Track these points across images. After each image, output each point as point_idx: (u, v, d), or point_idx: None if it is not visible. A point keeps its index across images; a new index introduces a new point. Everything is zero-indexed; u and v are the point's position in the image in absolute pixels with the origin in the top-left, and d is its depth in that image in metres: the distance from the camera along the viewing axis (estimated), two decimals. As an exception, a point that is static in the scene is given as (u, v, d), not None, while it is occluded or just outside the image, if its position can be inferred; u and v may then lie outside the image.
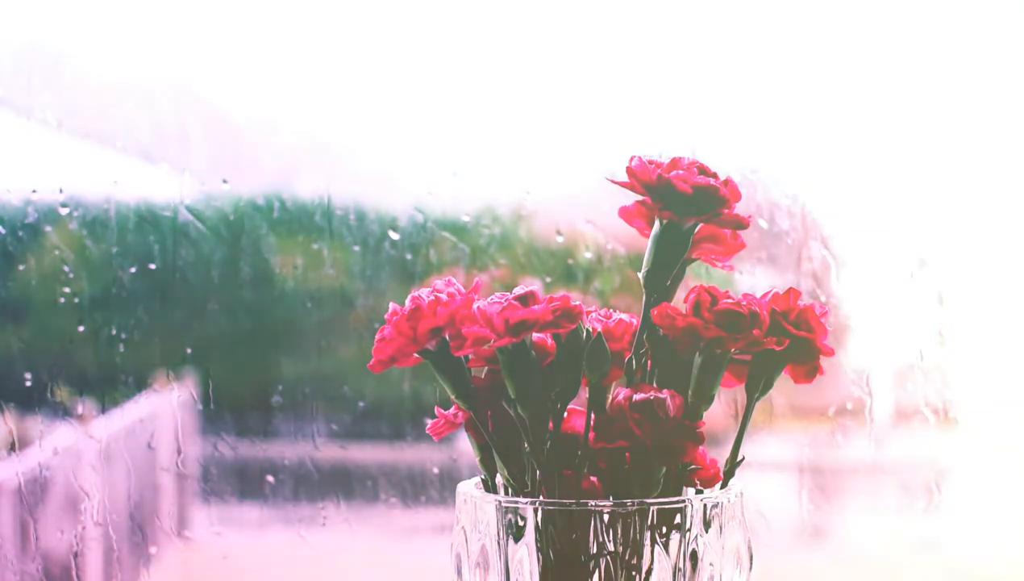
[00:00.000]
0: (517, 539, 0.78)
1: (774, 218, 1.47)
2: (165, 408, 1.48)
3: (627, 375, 0.81)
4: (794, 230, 1.47)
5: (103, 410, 1.46)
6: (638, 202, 0.81)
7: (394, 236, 1.46)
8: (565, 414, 0.80)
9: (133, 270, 1.45)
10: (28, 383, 1.44)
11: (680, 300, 0.80)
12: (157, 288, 1.46)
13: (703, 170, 0.79)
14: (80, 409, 1.45)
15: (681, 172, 0.79)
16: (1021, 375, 1.54)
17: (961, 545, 1.56)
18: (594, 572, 0.77)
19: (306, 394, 1.48)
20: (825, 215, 1.50)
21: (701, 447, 0.78)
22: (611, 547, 0.77)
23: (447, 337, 0.79)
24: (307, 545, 1.47)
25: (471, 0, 1.54)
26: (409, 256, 1.47)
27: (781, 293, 0.80)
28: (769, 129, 1.51)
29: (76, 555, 1.44)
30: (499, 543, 0.78)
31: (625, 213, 0.82)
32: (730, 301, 0.78)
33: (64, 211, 1.44)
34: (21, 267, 1.46)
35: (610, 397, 0.79)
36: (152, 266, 1.45)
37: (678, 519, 0.78)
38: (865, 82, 1.51)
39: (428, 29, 1.51)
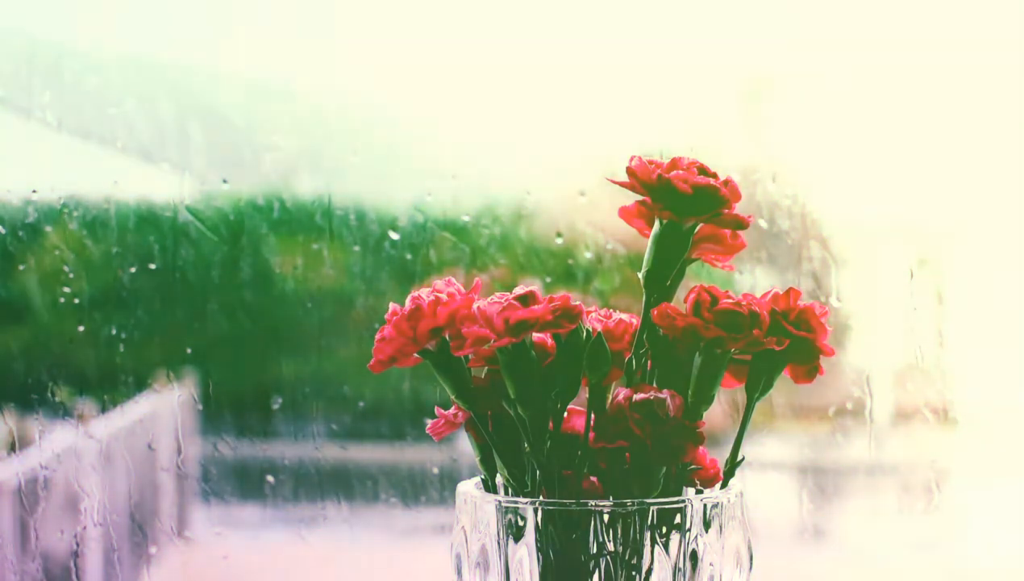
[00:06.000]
0: (517, 539, 0.78)
1: (774, 218, 1.47)
2: (165, 408, 1.48)
3: (627, 375, 0.81)
4: (794, 230, 1.47)
5: (103, 410, 1.46)
6: (638, 202, 0.81)
7: (394, 236, 1.46)
8: (565, 414, 0.80)
9: (133, 270, 1.45)
10: (28, 383, 1.44)
11: (680, 300, 0.80)
12: (157, 288, 1.46)
13: (703, 170, 0.79)
14: (80, 409, 1.45)
15: (681, 172, 0.79)
16: (1021, 375, 1.54)
17: (961, 545, 1.56)
18: (594, 572, 0.77)
19: (306, 394, 1.48)
20: (825, 215, 1.50)
21: (701, 447, 0.78)
22: (611, 547, 0.77)
23: (447, 337, 0.79)
24: (307, 545, 1.47)
25: (472, 1, 1.54)
26: (409, 256, 1.47)
27: (781, 293, 0.80)
28: (769, 129, 1.51)
29: (76, 555, 1.44)
30: (499, 543, 0.78)
31: (625, 213, 0.82)
32: (730, 301, 0.78)
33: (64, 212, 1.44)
34: (21, 267, 1.46)
35: (610, 397, 0.79)
36: (152, 266, 1.45)
37: (678, 519, 0.78)
38: (865, 81, 1.51)
39: (429, 29, 1.51)
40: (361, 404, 1.50)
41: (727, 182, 0.79)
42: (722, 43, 1.50)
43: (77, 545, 1.44)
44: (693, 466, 0.80)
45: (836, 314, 1.46)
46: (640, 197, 0.80)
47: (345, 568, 1.53)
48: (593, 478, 0.80)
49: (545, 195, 1.51)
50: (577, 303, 0.77)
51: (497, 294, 0.77)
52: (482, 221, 1.48)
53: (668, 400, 0.77)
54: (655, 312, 0.79)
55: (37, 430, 1.43)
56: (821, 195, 1.50)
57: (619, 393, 0.78)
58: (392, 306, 0.79)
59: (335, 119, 1.56)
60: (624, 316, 0.82)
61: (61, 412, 1.44)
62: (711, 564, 0.79)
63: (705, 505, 0.79)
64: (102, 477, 1.45)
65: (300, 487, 1.48)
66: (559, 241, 1.48)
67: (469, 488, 0.82)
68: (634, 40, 1.50)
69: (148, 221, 1.46)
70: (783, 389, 0.82)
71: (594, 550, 0.77)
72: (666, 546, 0.78)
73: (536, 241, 1.50)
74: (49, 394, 1.44)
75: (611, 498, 0.79)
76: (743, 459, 0.82)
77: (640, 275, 0.81)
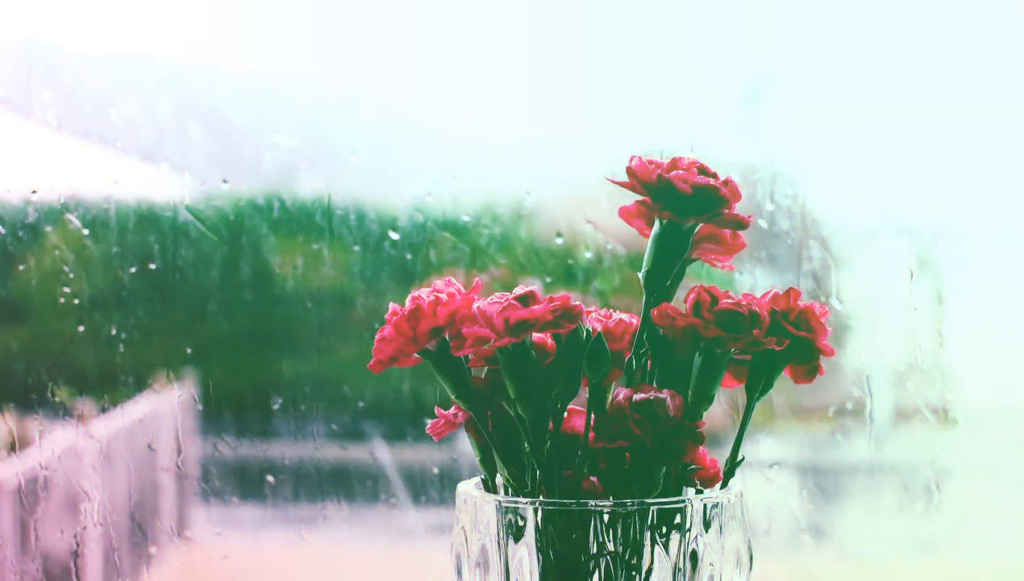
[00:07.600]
0: (517, 539, 0.78)
1: (774, 218, 1.47)
2: (165, 408, 1.48)
3: (627, 375, 0.81)
4: (794, 230, 1.47)
5: (103, 410, 1.46)
6: (638, 202, 0.81)
7: (394, 236, 1.46)
8: (565, 414, 0.80)
9: (133, 270, 1.46)
10: (28, 383, 1.44)
11: (680, 300, 0.80)
12: (157, 288, 1.46)
13: (703, 170, 0.79)
14: (80, 409, 1.45)
15: (681, 172, 0.79)
16: (1021, 375, 1.54)
17: (961, 545, 1.56)
18: (594, 572, 0.77)
19: (306, 394, 1.48)
20: (825, 215, 1.50)
21: (701, 447, 0.78)
22: (611, 547, 0.77)
23: (447, 337, 0.79)
24: (307, 545, 1.47)
25: (473, 1, 1.54)
26: (409, 256, 1.47)
27: (781, 293, 0.80)
28: (768, 128, 1.51)
29: (76, 555, 1.44)
30: (499, 543, 0.78)
31: (625, 213, 0.82)
32: (730, 301, 0.78)
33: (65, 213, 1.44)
34: (21, 267, 1.46)
35: (610, 397, 0.79)
36: (152, 266, 1.45)
37: (678, 519, 0.78)
38: (864, 78, 1.51)
39: (429, 29, 1.51)
40: (361, 404, 1.50)
41: (727, 182, 0.79)
42: (723, 42, 1.50)
43: (77, 545, 1.44)
44: (693, 466, 0.80)
45: (836, 314, 1.46)
46: (640, 197, 0.80)
47: (345, 568, 1.53)
48: (593, 478, 0.80)
49: (545, 195, 1.51)
50: (577, 303, 0.77)
51: (497, 294, 0.77)
52: (482, 221, 1.48)
53: (668, 400, 0.77)
54: (655, 312, 0.79)
55: (37, 430, 1.43)
56: (821, 195, 1.50)
57: (619, 393, 0.78)
58: (392, 306, 0.79)
59: (335, 119, 1.56)
60: (624, 316, 0.82)
61: (61, 412, 1.44)
62: (711, 564, 0.79)
63: (705, 505, 0.79)
64: (102, 477, 1.45)
65: (300, 487, 1.48)
66: (559, 241, 1.48)
67: (469, 488, 0.82)
68: (634, 40, 1.50)
69: (148, 221, 1.46)
70: (783, 389, 0.82)
71: (594, 550, 0.77)
72: (666, 546, 0.78)
73: (536, 241, 1.49)
74: (49, 394, 1.44)
75: (611, 498, 0.79)
76: (743, 459, 0.82)
77: (640, 275, 0.81)
